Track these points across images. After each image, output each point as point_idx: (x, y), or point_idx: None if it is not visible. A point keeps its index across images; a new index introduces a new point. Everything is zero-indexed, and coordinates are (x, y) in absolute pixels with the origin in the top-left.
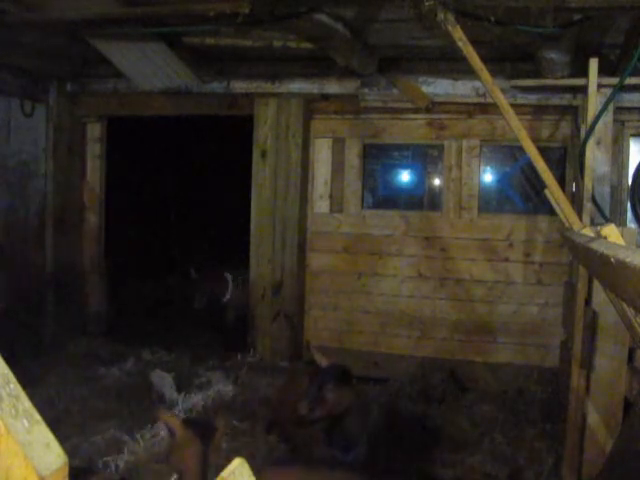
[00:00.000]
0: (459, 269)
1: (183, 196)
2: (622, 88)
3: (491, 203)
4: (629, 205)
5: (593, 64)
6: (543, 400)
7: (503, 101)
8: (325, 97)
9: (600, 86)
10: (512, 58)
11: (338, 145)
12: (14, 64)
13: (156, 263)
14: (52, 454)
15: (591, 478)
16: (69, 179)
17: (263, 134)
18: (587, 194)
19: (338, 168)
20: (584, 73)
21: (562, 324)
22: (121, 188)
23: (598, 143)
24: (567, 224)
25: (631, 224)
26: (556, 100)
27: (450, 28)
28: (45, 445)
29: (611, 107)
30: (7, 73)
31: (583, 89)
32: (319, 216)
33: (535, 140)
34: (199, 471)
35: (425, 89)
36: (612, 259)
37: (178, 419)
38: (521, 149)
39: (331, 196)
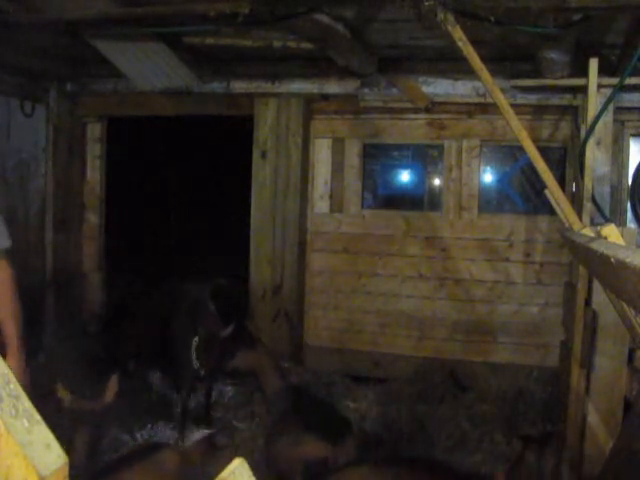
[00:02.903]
0: (459, 269)
1: (183, 196)
2: (622, 88)
3: (491, 203)
4: (629, 205)
5: (593, 64)
6: (543, 400)
7: (503, 101)
8: (325, 97)
9: (600, 86)
10: (512, 58)
11: (338, 145)
12: (14, 64)
13: (156, 263)
14: (52, 454)
15: (591, 478)
16: (69, 179)
17: (263, 134)
18: (587, 194)
19: (338, 168)
20: (584, 73)
21: (562, 324)
22: (121, 188)
23: (598, 143)
24: (567, 224)
25: (631, 224)
26: (556, 100)
27: (450, 28)
28: (45, 445)
29: (611, 107)
30: (7, 73)
31: (583, 89)
32: (319, 216)
33: (535, 140)
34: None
35: (425, 89)
36: (612, 259)
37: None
38: (521, 149)
39: (331, 196)
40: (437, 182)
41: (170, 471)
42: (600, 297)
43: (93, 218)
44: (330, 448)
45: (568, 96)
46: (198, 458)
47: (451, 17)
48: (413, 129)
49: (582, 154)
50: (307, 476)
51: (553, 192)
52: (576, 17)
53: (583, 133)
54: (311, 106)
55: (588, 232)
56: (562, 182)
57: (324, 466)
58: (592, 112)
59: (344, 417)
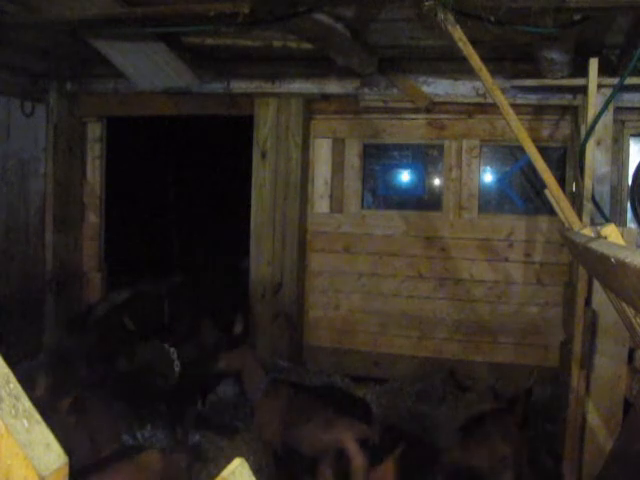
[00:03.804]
0: (459, 269)
1: (183, 196)
2: (622, 88)
3: (491, 203)
4: (629, 205)
5: (593, 64)
6: (543, 400)
7: (503, 101)
8: (325, 97)
9: (600, 86)
10: (512, 58)
11: (338, 145)
12: (14, 64)
13: (156, 263)
14: (52, 454)
15: (591, 478)
16: (69, 179)
17: (263, 134)
18: (587, 194)
19: (338, 168)
20: (584, 73)
21: (562, 324)
22: (121, 188)
23: (598, 143)
24: (567, 224)
25: (631, 224)
26: (556, 100)
27: (450, 28)
28: (45, 445)
29: (611, 107)
30: (7, 73)
31: (583, 89)
32: (319, 216)
33: (535, 140)
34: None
35: (425, 89)
36: (612, 259)
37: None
38: (521, 149)
39: (331, 196)
40: (437, 182)
41: (153, 473)
42: (600, 297)
43: (93, 218)
44: (365, 429)
45: (568, 96)
46: (184, 462)
47: (451, 17)
48: (413, 129)
49: (582, 154)
50: (342, 459)
51: (553, 192)
52: (576, 17)
53: (583, 133)
54: (311, 106)
55: (588, 232)
56: (562, 182)
57: (364, 447)
58: (592, 112)
59: (359, 397)
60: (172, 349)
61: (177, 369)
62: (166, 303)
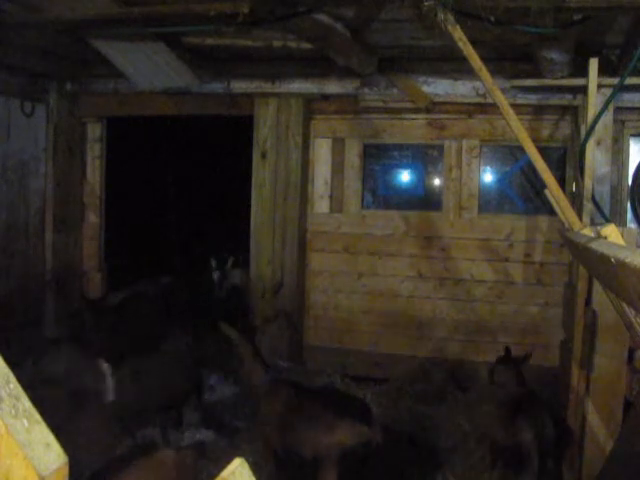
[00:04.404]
0: (459, 269)
1: (183, 196)
2: (622, 88)
3: (491, 203)
4: (629, 205)
5: (593, 64)
6: (543, 400)
7: (503, 101)
8: (325, 97)
9: (600, 86)
10: (512, 58)
11: (338, 145)
12: (14, 64)
13: (156, 263)
14: (52, 454)
15: (591, 478)
16: (69, 179)
17: (263, 134)
18: (587, 194)
19: (338, 168)
20: (584, 73)
21: (562, 324)
22: (121, 188)
23: (598, 143)
24: (567, 224)
25: (631, 224)
26: (556, 100)
27: (450, 28)
28: (45, 445)
29: (611, 107)
30: (7, 73)
31: (583, 89)
32: (319, 216)
33: (535, 140)
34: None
35: (425, 89)
36: (612, 259)
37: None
38: (521, 149)
39: (331, 196)
40: (437, 182)
41: (167, 470)
42: (600, 297)
43: (93, 218)
44: (366, 431)
45: (568, 96)
46: (189, 459)
47: (451, 17)
48: (413, 129)
49: (582, 154)
50: (345, 461)
51: (553, 192)
52: (576, 17)
53: (583, 133)
54: (311, 106)
55: (588, 232)
56: (562, 182)
57: (367, 449)
58: (592, 112)
59: (359, 398)
60: (106, 364)
61: (111, 385)
62: (163, 304)
